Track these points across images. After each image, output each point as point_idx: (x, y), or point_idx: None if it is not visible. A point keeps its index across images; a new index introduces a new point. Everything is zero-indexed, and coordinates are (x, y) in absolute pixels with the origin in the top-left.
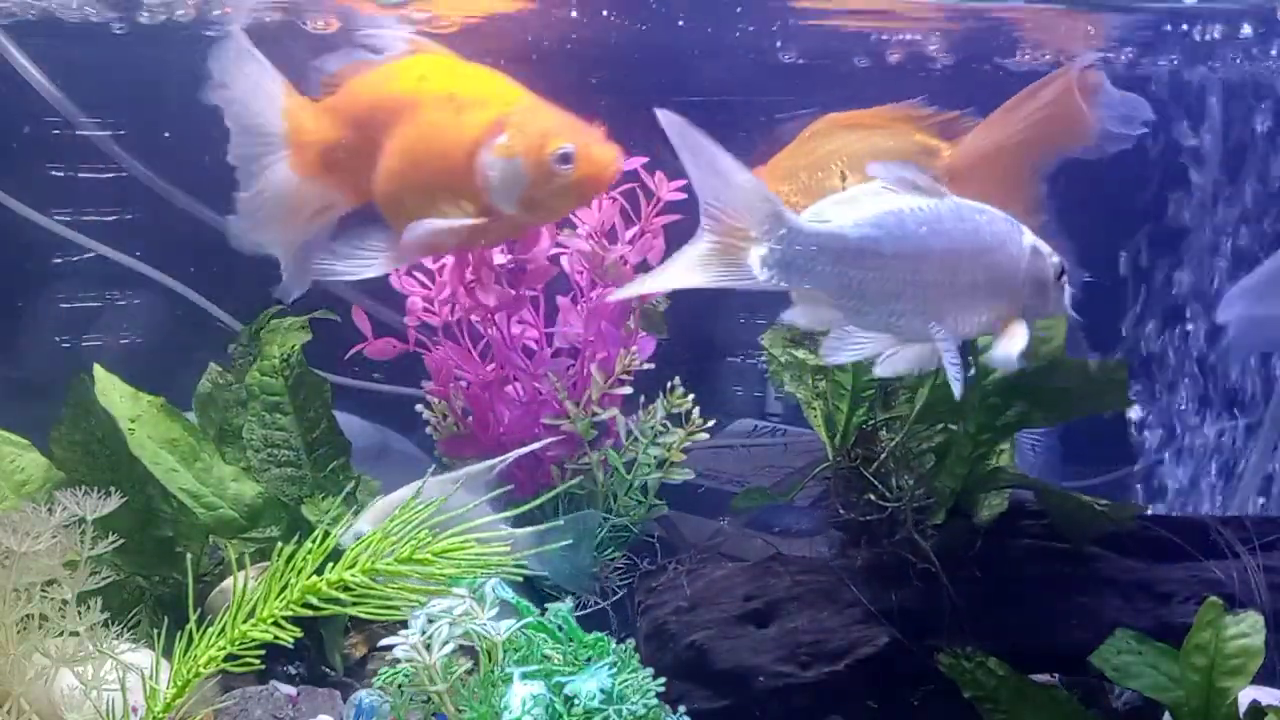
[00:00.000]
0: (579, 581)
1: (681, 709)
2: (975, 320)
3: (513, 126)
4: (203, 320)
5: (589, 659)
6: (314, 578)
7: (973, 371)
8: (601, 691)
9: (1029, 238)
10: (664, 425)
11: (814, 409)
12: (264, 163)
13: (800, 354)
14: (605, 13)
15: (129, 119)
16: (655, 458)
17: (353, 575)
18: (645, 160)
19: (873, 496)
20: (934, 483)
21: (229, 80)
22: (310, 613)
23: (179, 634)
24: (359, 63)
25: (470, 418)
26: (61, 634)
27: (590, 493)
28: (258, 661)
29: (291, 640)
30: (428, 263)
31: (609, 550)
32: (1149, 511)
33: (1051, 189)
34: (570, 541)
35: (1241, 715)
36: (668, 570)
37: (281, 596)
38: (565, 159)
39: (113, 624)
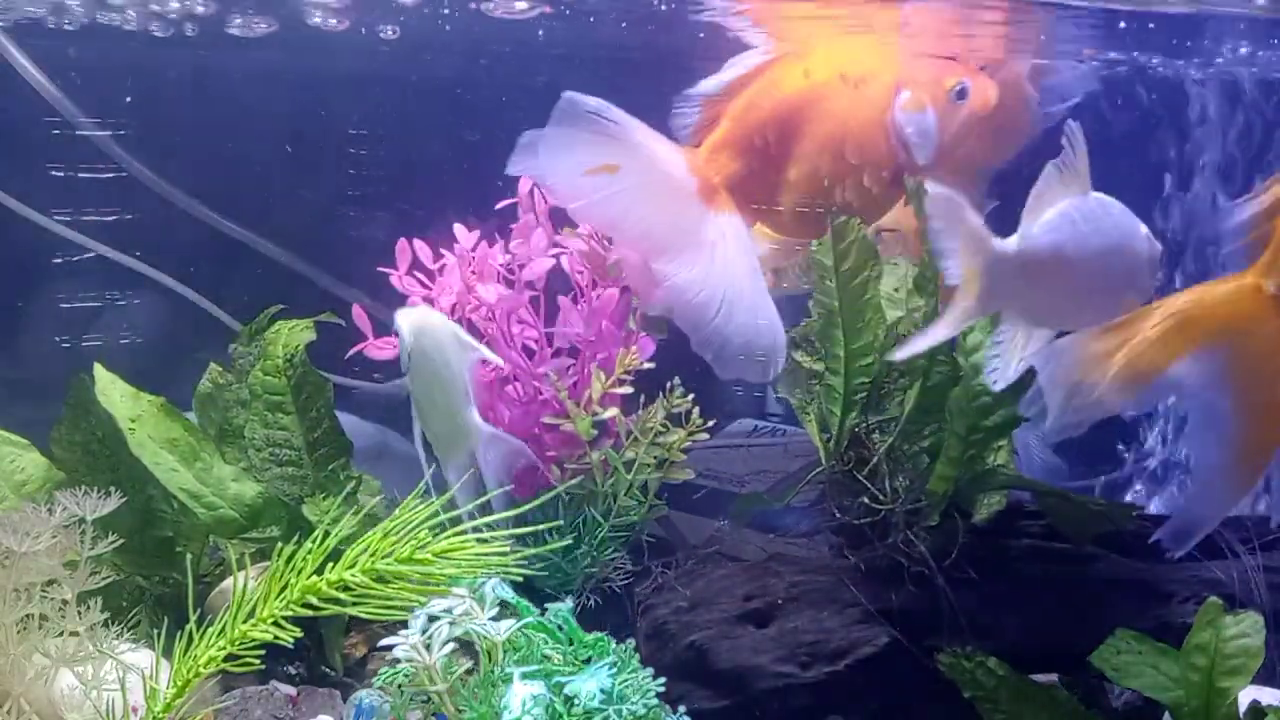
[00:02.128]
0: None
1: (681, 709)
2: (1113, 316)
3: (907, 82)
4: (203, 320)
5: (589, 659)
6: (314, 578)
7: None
8: (601, 691)
9: (1143, 225)
10: (664, 425)
11: (808, 413)
12: (685, 232)
13: (797, 356)
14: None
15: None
16: (655, 458)
17: (353, 575)
18: None
19: (866, 500)
20: (927, 485)
21: (622, 159)
22: (310, 613)
23: (179, 634)
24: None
25: None
26: (61, 634)
27: (590, 492)
28: (258, 661)
29: (291, 640)
30: (428, 262)
31: (609, 550)
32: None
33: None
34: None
35: (1241, 715)
36: (668, 570)
37: (281, 596)
38: (962, 93)
39: (113, 624)
